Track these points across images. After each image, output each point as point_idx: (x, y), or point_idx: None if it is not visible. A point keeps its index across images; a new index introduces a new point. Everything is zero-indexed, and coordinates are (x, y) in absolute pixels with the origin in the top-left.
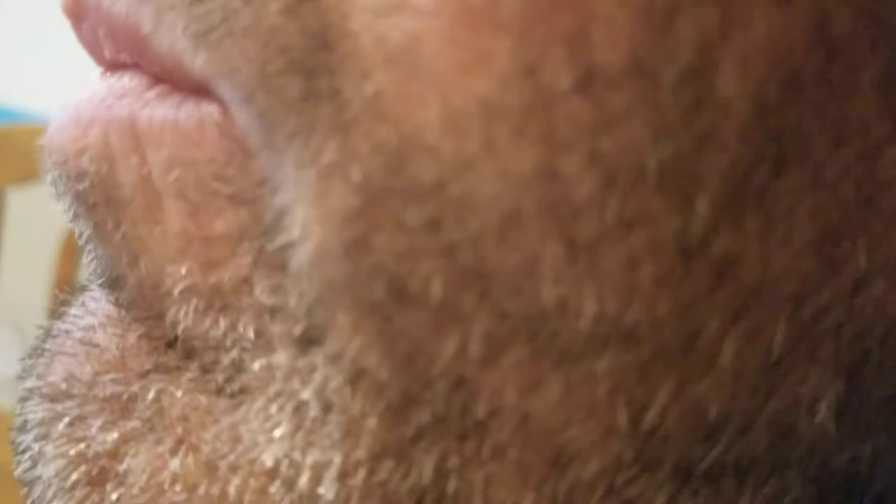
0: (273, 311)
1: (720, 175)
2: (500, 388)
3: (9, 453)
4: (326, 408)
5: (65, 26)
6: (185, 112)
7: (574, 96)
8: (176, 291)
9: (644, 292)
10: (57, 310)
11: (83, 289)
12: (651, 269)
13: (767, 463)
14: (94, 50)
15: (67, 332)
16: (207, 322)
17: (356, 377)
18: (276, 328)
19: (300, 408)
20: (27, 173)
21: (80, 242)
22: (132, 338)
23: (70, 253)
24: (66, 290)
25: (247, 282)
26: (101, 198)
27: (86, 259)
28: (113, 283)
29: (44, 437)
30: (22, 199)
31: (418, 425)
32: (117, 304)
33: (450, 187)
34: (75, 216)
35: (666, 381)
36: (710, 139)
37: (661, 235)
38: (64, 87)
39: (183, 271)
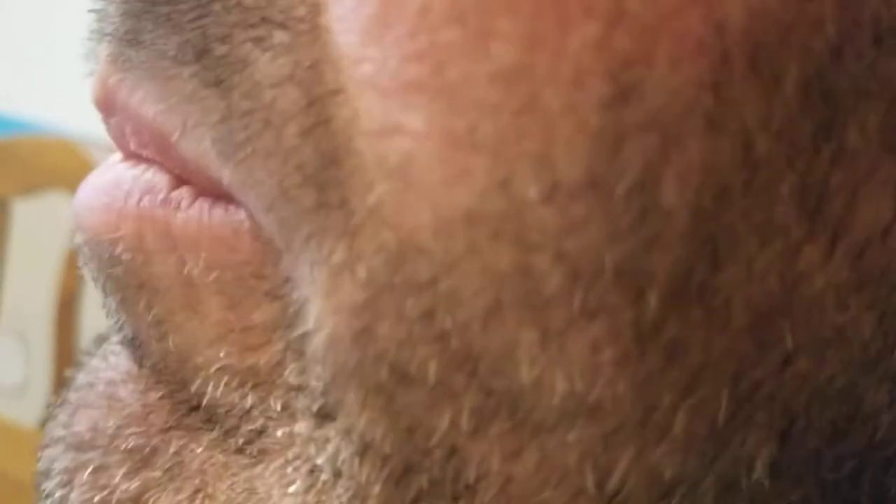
0: (299, 389)
1: (666, 272)
2: (486, 455)
3: (9, 462)
4: (337, 473)
5: (71, 37)
6: (218, 218)
7: (541, 205)
8: (211, 370)
9: (606, 373)
10: (79, 360)
11: (103, 339)
12: (611, 352)
13: None
14: (119, 142)
15: (91, 384)
16: (237, 396)
17: (364, 449)
18: (300, 403)
19: (314, 470)
20: (33, 184)
21: (102, 299)
22: (153, 396)
23: (75, 263)
24: (70, 300)
25: (280, 364)
26: (133, 281)
27: (107, 314)
28: (135, 347)
29: (67, 484)
30: (27, 210)
31: (417, 489)
32: (138, 363)
33: (441, 283)
34: (102, 286)
35: (627, 449)
36: (656, 242)
37: (618, 323)
38: (70, 98)
39: (221, 354)
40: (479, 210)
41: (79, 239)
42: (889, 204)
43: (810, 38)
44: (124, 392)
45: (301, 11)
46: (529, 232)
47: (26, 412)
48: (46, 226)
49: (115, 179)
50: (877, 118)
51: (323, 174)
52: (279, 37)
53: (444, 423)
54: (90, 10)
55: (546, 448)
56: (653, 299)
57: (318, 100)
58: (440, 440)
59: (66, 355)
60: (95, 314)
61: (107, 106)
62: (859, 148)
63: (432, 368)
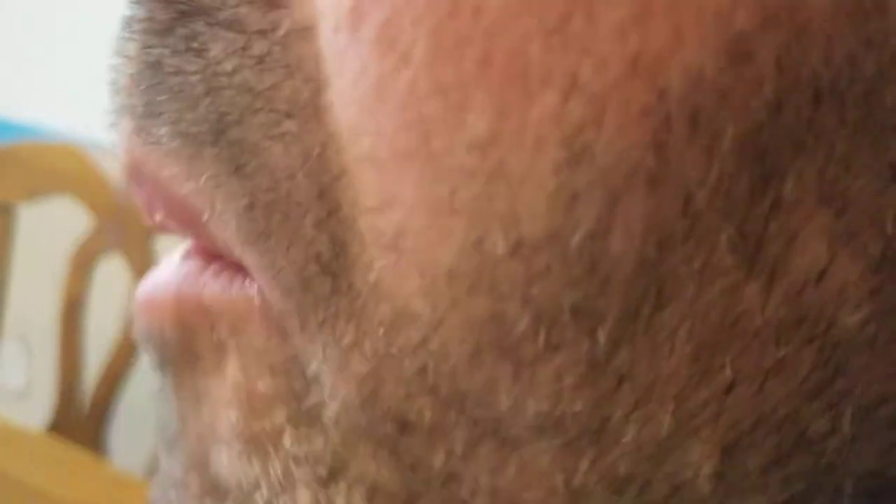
0: (297, 458)
1: (615, 312)
2: (476, 474)
3: (10, 463)
4: None
5: (76, 43)
6: (237, 289)
7: (509, 259)
8: (224, 434)
9: (567, 394)
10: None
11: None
12: (571, 378)
13: None
14: (148, 210)
15: (158, 493)
16: (244, 463)
17: (373, 493)
18: (299, 471)
19: None
20: (37, 189)
21: (160, 399)
22: (188, 490)
23: (79, 268)
24: (75, 304)
25: (280, 433)
26: (180, 357)
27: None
28: (174, 442)
29: None
30: (32, 215)
31: None
32: (180, 466)
33: (431, 342)
34: (160, 370)
35: (587, 453)
36: (606, 286)
37: (576, 355)
38: (75, 103)
39: (232, 416)
40: (458, 268)
41: (140, 334)
42: (824, 249)
43: (748, 99)
44: (173, 495)
45: (304, 95)
46: (500, 283)
47: (29, 416)
48: (51, 231)
49: (163, 279)
50: (813, 171)
51: (335, 263)
52: (287, 125)
53: (441, 456)
54: (108, 81)
55: (523, 458)
56: (602, 335)
57: (328, 188)
58: (438, 470)
59: (70, 359)
60: (101, 318)
61: (136, 176)
62: (796, 199)
63: (428, 414)
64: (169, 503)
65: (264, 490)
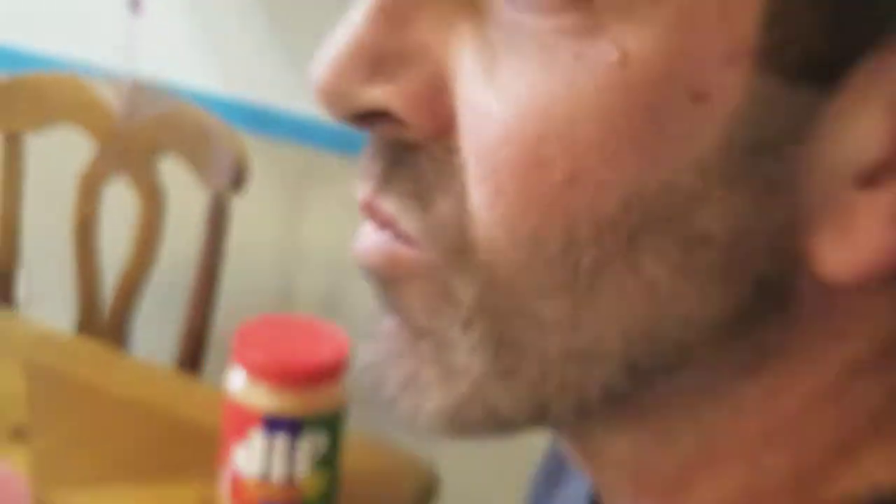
0: (462, 314)
1: (581, 279)
2: (513, 317)
3: (50, 358)
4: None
5: None
6: (409, 249)
7: (539, 258)
8: (419, 318)
9: (557, 308)
10: (371, 331)
11: (380, 314)
12: (561, 302)
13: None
14: (372, 221)
15: (380, 336)
16: (434, 320)
17: (482, 338)
18: (464, 317)
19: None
20: (45, 118)
21: (377, 296)
22: (403, 334)
23: (87, 192)
24: (86, 223)
25: (438, 308)
26: (387, 282)
27: (378, 302)
28: (391, 312)
29: (383, 371)
30: (40, 144)
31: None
32: (395, 319)
33: (507, 276)
34: (377, 289)
35: (565, 333)
36: (577, 268)
37: (564, 293)
38: (83, 34)
39: (422, 315)
40: (521, 261)
41: (363, 269)
42: (664, 275)
43: (626, 223)
44: (391, 334)
45: (458, 187)
46: (536, 264)
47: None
48: (59, 159)
49: (373, 240)
50: (676, 249)
51: (462, 235)
52: (455, 187)
53: (514, 317)
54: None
55: (535, 317)
56: (581, 281)
57: (463, 218)
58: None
59: (87, 274)
60: (113, 235)
61: (370, 210)
62: (647, 262)
63: (503, 302)
64: (383, 349)
65: (450, 332)
